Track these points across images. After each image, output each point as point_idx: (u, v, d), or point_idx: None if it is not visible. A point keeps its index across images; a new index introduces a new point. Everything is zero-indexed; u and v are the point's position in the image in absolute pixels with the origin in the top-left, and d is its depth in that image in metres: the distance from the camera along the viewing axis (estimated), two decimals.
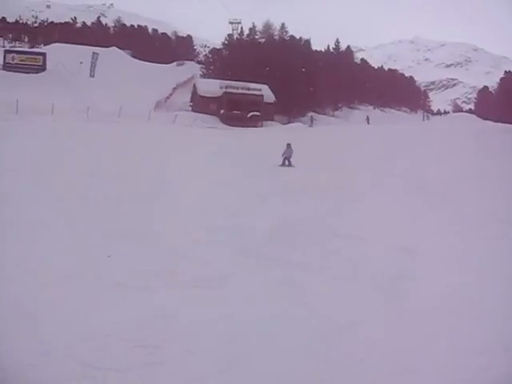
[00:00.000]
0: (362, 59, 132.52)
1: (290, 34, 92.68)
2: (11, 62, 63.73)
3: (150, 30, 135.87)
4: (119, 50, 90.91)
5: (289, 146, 23.58)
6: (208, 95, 61.87)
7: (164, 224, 11.22)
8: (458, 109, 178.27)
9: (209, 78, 75.28)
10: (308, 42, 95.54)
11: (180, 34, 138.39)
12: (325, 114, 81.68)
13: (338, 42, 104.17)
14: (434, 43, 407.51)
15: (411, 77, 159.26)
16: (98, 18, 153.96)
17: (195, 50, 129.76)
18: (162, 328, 6.14)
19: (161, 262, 8.47)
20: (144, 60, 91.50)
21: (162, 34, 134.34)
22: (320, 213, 13.01)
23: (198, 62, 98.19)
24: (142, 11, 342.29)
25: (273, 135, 31.30)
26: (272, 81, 66.09)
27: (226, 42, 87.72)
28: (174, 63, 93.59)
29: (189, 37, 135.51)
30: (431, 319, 6.62)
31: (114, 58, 79.91)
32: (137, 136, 31.25)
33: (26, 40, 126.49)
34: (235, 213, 12.59)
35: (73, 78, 63.58)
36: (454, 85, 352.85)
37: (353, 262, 8.97)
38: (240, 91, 62.46)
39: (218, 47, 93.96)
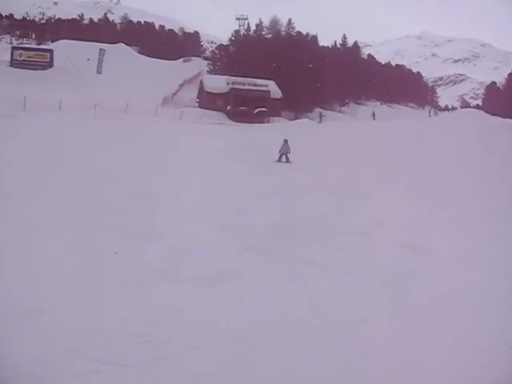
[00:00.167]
0: (369, 55, 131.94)
1: (297, 29, 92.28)
2: (19, 58, 63.93)
3: (156, 27, 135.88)
4: (126, 46, 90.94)
5: (286, 141, 23.59)
6: (215, 91, 61.78)
7: (169, 221, 11.26)
8: (465, 104, 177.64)
9: (215, 74, 75.17)
10: (315, 37, 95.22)
11: (187, 31, 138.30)
12: (332, 110, 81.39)
13: (344, 37, 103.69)
14: (442, 38, 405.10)
15: (418, 72, 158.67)
16: (105, 14, 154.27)
17: (202, 46, 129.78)
18: (168, 324, 6.19)
19: (166, 259, 8.52)
20: (151, 56, 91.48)
21: (169, 30, 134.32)
22: (326, 210, 13.02)
23: (205, 58, 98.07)
24: (149, 7, 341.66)
25: (280, 131, 31.19)
26: (279, 77, 65.92)
27: (233, 38, 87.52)
28: (181, 59, 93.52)
29: (196, 33, 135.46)
30: (435, 317, 6.64)
31: (121, 54, 79.98)
32: (143, 132, 31.29)
33: (34, 37, 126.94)
34: (241, 210, 12.61)
35: (80, 74, 63.69)
36: (462, 80, 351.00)
37: (358, 259, 8.99)
38: (247, 87, 62.34)
39: (224, 43, 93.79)
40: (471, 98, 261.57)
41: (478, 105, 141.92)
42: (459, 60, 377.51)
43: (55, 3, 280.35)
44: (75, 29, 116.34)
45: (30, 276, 7.35)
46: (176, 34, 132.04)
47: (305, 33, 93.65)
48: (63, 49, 70.38)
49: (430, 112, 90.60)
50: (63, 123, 30.78)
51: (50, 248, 8.73)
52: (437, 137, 28.43)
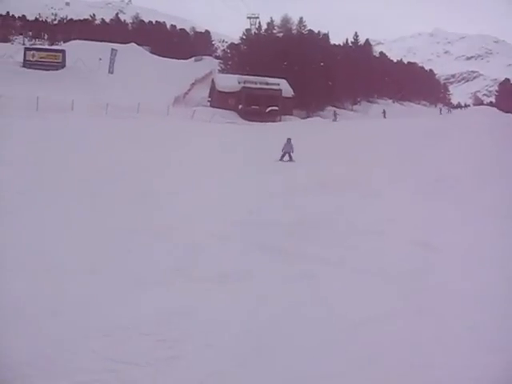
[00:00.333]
0: (381, 53, 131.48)
1: (308, 28, 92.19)
2: (31, 59, 64.43)
3: (168, 26, 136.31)
4: (138, 46, 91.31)
5: (289, 140, 23.56)
6: (226, 90, 61.86)
7: (181, 220, 11.28)
8: (478, 102, 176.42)
9: (227, 73, 75.26)
10: (326, 35, 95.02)
11: (198, 30, 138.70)
12: (344, 108, 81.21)
13: (356, 35, 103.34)
14: (454, 35, 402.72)
15: (431, 70, 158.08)
16: (117, 14, 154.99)
17: (213, 45, 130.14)
18: (181, 323, 6.20)
19: (179, 258, 8.54)
20: (162, 56, 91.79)
21: (181, 29, 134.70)
22: (338, 208, 12.98)
23: (216, 58, 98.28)
24: (161, 7, 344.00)
25: (293, 130, 31.16)
26: (290, 75, 65.88)
27: (244, 37, 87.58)
28: (193, 59, 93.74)
29: (207, 32, 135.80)
30: (449, 315, 6.59)
31: (133, 54, 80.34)
32: (155, 132, 31.42)
33: (46, 37, 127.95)
34: (252, 209, 12.60)
35: (92, 74, 64.07)
36: (475, 77, 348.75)
37: (370, 257, 8.96)
38: (258, 86, 62.36)
39: (236, 42, 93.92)
40: (484, 95, 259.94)
41: (491, 102, 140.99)
42: (472, 57, 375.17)
43: (67, 4, 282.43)
44: (87, 29, 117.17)
45: (42, 275, 7.39)
46: (187, 33, 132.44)
47: (316, 31, 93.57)
48: (75, 49, 70.85)
49: (440, 110, 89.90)
50: (76, 123, 30.96)
51: (63, 245, 8.77)
52: (448, 135, 28.22)
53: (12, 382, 4.78)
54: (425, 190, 15.35)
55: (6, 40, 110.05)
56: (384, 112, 66.77)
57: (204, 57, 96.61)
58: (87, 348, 5.44)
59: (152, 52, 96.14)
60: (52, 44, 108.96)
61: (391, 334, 6.07)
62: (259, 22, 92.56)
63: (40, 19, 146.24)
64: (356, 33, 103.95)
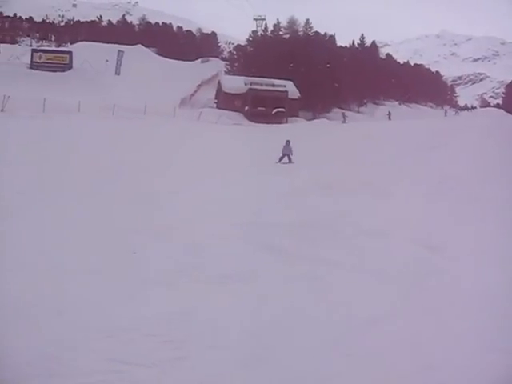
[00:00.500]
0: (388, 54, 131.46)
1: (315, 29, 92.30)
2: (38, 60, 64.74)
3: (174, 28, 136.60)
4: (144, 47, 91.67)
5: (288, 143, 23.56)
6: (233, 92, 61.94)
7: (184, 221, 11.27)
8: (485, 104, 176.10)
9: (233, 74, 75.44)
10: (333, 37, 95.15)
11: (204, 31, 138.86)
12: (350, 110, 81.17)
13: (363, 37, 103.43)
14: (461, 37, 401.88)
15: (437, 72, 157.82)
16: (123, 16, 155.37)
17: (219, 46, 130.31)
18: (187, 323, 6.19)
19: (183, 259, 8.52)
20: (169, 57, 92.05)
21: (187, 31, 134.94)
22: (343, 209, 12.94)
23: (223, 59, 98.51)
24: (167, 9, 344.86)
25: (300, 132, 31.22)
26: (297, 77, 65.92)
27: (251, 39, 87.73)
28: (199, 60, 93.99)
29: (213, 34, 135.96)
30: (456, 316, 6.56)
31: (139, 55, 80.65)
32: (161, 133, 31.48)
33: (53, 39, 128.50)
34: (256, 210, 12.55)
35: (99, 75, 64.29)
36: (482, 79, 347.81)
37: (376, 258, 8.93)
38: (264, 88, 62.45)
39: (242, 44, 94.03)
40: (491, 97, 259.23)
41: (498, 104, 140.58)
42: (479, 59, 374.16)
43: (74, 5, 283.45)
44: (94, 31, 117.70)
45: (42, 275, 7.39)
46: (194, 34, 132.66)
47: (322, 33, 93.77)
48: (82, 51, 71.16)
49: (445, 112, 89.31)
50: (82, 124, 31.06)
51: (63, 245, 8.78)
52: (454, 136, 28.12)
53: (13, 383, 4.78)
54: (430, 191, 15.29)
55: (13, 41, 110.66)
56: (389, 114, 66.61)
57: (210, 58, 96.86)
58: (92, 348, 5.43)
59: (158, 53, 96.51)
60: (59, 45, 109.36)
61: (392, 334, 6.04)
62: (265, 24, 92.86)
63: (47, 21, 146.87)
64: (362, 34, 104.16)
